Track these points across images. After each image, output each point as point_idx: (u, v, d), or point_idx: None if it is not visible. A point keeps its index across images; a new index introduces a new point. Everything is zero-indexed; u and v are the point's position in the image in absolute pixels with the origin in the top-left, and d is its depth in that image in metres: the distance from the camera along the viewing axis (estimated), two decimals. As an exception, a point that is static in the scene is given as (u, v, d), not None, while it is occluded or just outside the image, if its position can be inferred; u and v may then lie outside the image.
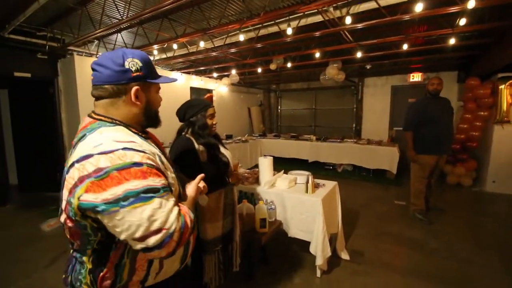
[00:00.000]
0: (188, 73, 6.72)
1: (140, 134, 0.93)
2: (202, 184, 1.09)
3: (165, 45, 4.28)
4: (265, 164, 2.62)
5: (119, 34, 4.33)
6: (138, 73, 0.87)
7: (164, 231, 0.75)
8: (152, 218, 0.73)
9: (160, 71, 4.54)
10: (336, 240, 2.61)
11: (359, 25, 3.24)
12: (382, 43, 4.03)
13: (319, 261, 2.22)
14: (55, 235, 3.17)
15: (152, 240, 0.74)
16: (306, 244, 2.34)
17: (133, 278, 0.86)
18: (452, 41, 3.75)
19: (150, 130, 1.04)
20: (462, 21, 3.17)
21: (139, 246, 0.75)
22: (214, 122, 1.78)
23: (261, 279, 2.32)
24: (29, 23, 3.81)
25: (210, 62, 6.15)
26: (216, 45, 4.55)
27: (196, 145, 1.68)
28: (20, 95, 4.81)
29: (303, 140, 6.73)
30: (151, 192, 0.75)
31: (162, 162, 0.89)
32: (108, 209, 0.71)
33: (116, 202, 0.71)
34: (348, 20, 3.11)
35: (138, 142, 0.84)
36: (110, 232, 0.77)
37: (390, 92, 7.21)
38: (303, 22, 3.57)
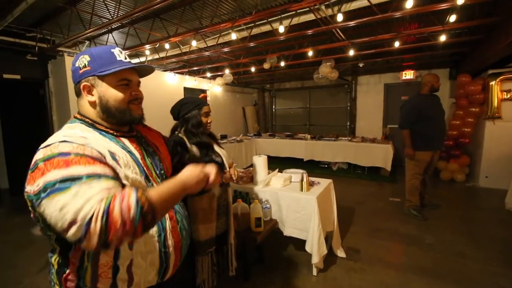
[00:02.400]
0: (182, 73, 6.67)
1: (112, 133, 0.90)
2: (212, 175, 0.93)
3: (157, 45, 4.24)
4: (260, 163, 2.60)
5: (110, 34, 4.29)
6: (85, 69, 0.87)
7: (78, 224, 0.65)
8: (63, 210, 0.66)
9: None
10: (332, 238, 2.61)
11: (351, 23, 3.25)
12: (374, 41, 4.05)
13: (315, 259, 2.21)
14: (46, 239, 3.11)
15: (70, 233, 0.66)
16: (302, 242, 2.32)
17: (99, 286, 0.81)
18: (443, 38, 3.78)
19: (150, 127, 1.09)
20: (452, 18, 3.20)
21: (67, 238, 0.68)
22: (209, 121, 1.75)
23: (257, 279, 2.30)
24: (18, 24, 3.74)
25: (203, 62, 6.12)
26: (209, 45, 4.53)
27: (188, 145, 1.65)
28: (10, 98, 4.72)
29: (298, 139, 6.74)
30: (69, 181, 0.68)
31: (115, 159, 0.82)
32: (36, 200, 0.70)
33: (39, 194, 0.69)
34: (340, 17, 3.12)
35: (91, 139, 0.81)
36: None
37: (383, 90, 7.25)
38: (296, 20, 3.57)
